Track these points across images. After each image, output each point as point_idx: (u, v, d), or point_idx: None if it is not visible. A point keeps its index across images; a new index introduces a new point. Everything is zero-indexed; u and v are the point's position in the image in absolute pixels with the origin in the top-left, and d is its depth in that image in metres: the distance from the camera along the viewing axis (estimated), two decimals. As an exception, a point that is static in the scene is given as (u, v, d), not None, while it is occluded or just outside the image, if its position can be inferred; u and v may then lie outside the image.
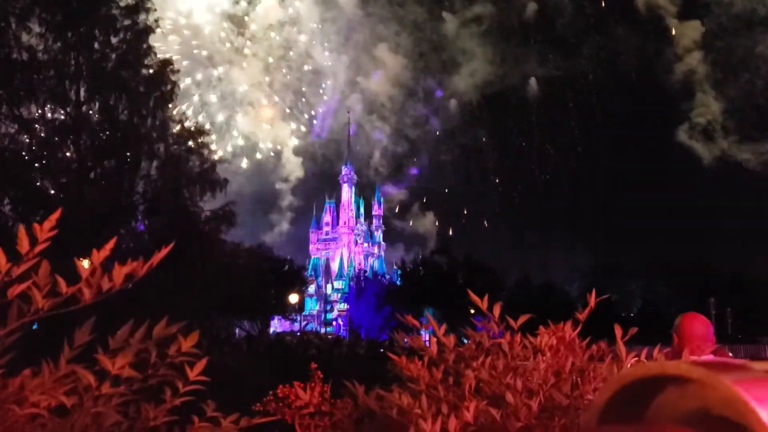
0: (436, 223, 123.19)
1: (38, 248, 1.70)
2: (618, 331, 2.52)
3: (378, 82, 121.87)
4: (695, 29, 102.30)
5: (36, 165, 26.66)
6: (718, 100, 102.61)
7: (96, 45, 27.68)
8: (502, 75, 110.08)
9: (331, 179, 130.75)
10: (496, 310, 2.45)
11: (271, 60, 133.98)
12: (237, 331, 58.79)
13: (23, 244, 1.69)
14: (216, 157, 31.25)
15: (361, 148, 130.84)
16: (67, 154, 27.48)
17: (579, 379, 2.42)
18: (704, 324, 4.47)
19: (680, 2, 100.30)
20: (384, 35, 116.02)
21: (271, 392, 2.53)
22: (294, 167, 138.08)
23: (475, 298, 2.44)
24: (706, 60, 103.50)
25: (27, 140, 26.72)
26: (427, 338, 2.56)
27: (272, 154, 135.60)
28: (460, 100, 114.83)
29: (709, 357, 4.23)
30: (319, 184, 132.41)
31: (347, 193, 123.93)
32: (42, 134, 26.76)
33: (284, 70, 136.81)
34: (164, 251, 1.83)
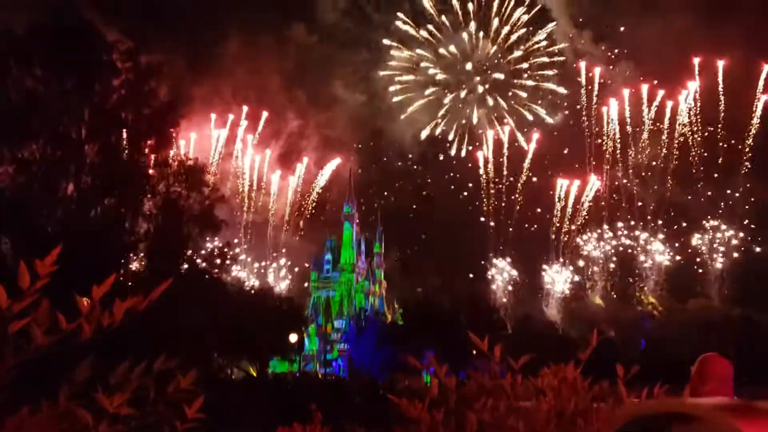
0: (398, 260, 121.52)
1: (39, 284, 1.71)
2: (620, 371, 2.51)
3: (333, 120, 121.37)
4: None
5: (36, 204, 26.68)
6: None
7: (96, 87, 28.00)
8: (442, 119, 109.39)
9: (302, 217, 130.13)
10: (497, 351, 2.46)
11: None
12: (235, 370, 58.10)
13: (24, 280, 1.70)
14: (218, 195, 31.31)
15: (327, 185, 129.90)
16: (67, 192, 27.56)
17: (582, 420, 2.39)
18: (726, 366, 4.59)
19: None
20: (339, 74, 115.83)
21: None
22: (263, 203, 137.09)
23: (475, 339, 2.45)
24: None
25: (25, 180, 26.77)
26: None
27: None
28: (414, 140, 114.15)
29: (717, 397, 4.22)
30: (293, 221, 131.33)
31: (348, 231, 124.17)
32: (40, 175, 26.81)
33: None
34: (163, 286, 1.84)
